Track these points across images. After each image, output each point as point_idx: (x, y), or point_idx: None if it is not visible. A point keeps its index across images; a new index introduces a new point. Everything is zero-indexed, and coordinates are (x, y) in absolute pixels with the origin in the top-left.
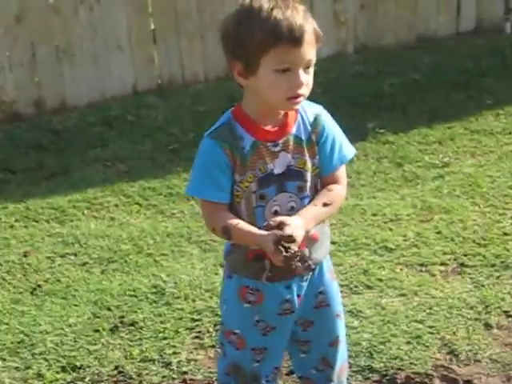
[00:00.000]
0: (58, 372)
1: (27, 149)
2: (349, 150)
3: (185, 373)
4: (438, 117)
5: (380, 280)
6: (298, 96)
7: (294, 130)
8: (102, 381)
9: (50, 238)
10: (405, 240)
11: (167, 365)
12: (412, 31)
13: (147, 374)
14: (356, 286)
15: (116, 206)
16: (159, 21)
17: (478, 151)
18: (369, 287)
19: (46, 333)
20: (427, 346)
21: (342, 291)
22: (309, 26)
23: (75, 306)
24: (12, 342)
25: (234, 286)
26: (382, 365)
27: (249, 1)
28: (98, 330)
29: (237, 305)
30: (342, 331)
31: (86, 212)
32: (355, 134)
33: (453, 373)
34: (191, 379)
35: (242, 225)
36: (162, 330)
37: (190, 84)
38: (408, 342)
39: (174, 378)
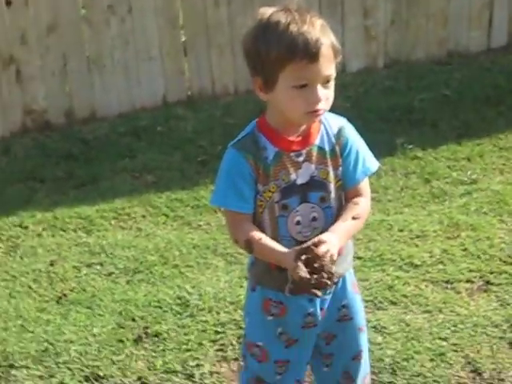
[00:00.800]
0: (81, 381)
1: (57, 158)
2: (372, 162)
3: None
4: (467, 133)
5: (405, 296)
6: (316, 111)
7: (317, 141)
8: None
9: (76, 247)
10: (431, 256)
11: (190, 377)
12: (443, 46)
13: None
14: (380, 302)
15: (143, 216)
16: (190, 33)
17: (507, 168)
18: (393, 303)
19: (71, 342)
20: (451, 364)
21: (366, 307)
22: (326, 41)
23: (100, 315)
24: (36, 351)
25: (257, 299)
26: (404, 381)
27: (267, 16)
28: (121, 341)
29: (260, 317)
30: (364, 345)
31: (113, 222)
32: (383, 149)
33: None
34: None
35: (265, 240)
36: (185, 341)
37: (219, 96)
38: (431, 360)
39: None
